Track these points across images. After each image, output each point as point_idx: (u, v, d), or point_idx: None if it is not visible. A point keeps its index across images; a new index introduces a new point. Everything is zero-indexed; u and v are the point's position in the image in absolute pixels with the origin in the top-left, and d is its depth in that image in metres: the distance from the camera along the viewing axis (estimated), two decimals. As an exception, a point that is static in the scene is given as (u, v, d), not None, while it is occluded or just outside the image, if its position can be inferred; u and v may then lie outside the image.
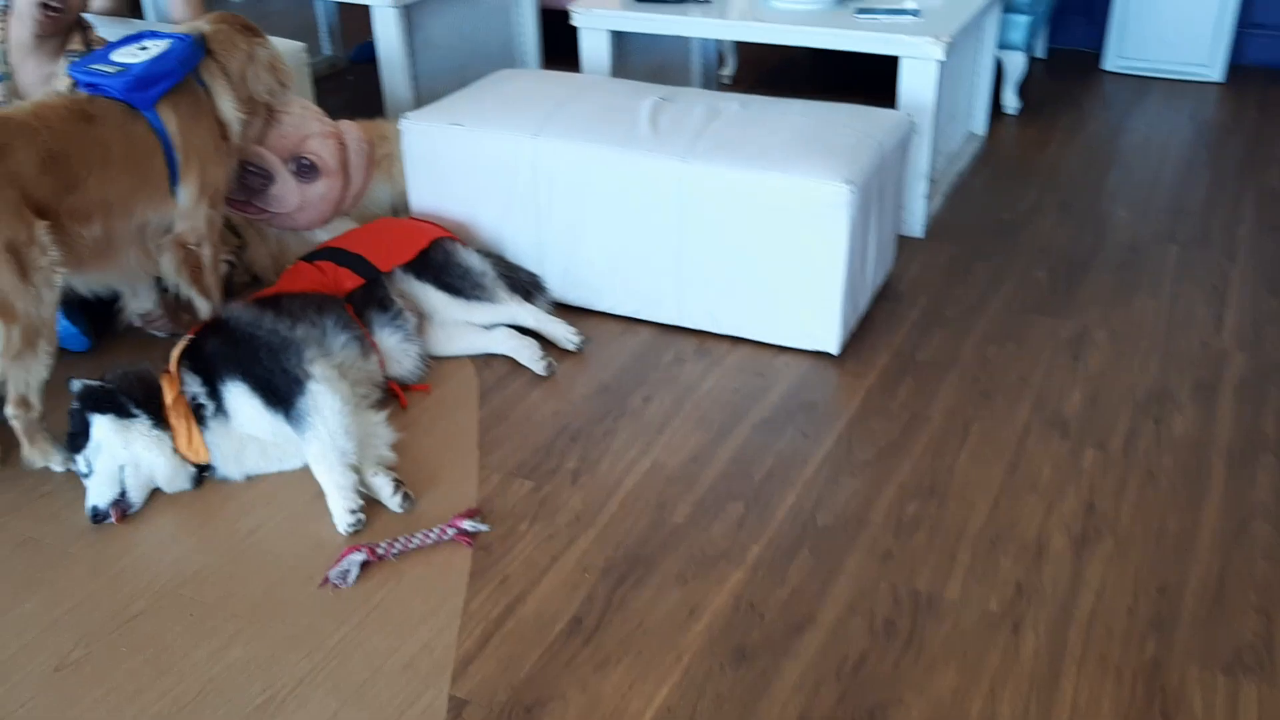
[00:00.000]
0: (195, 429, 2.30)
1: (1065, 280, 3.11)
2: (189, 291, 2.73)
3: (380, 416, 2.47)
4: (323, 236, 3.12)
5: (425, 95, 4.07)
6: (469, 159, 2.91)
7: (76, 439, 2.29)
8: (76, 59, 2.65)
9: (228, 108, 2.69)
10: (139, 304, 2.83)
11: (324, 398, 2.29)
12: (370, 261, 2.70)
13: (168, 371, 2.34)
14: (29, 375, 2.28)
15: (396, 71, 3.98)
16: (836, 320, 2.69)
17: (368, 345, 2.57)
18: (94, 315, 2.85)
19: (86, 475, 2.27)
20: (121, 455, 2.27)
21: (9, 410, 2.31)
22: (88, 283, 2.53)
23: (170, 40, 2.59)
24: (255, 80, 2.74)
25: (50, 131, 2.31)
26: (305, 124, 3.00)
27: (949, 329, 2.88)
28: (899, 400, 2.58)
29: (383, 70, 4.01)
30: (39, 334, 2.27)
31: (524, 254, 2.96)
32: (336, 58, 5.32)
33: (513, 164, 2.85)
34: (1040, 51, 5.00)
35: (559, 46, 3.66)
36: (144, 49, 2.56)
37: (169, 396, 2.29)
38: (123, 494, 2.26)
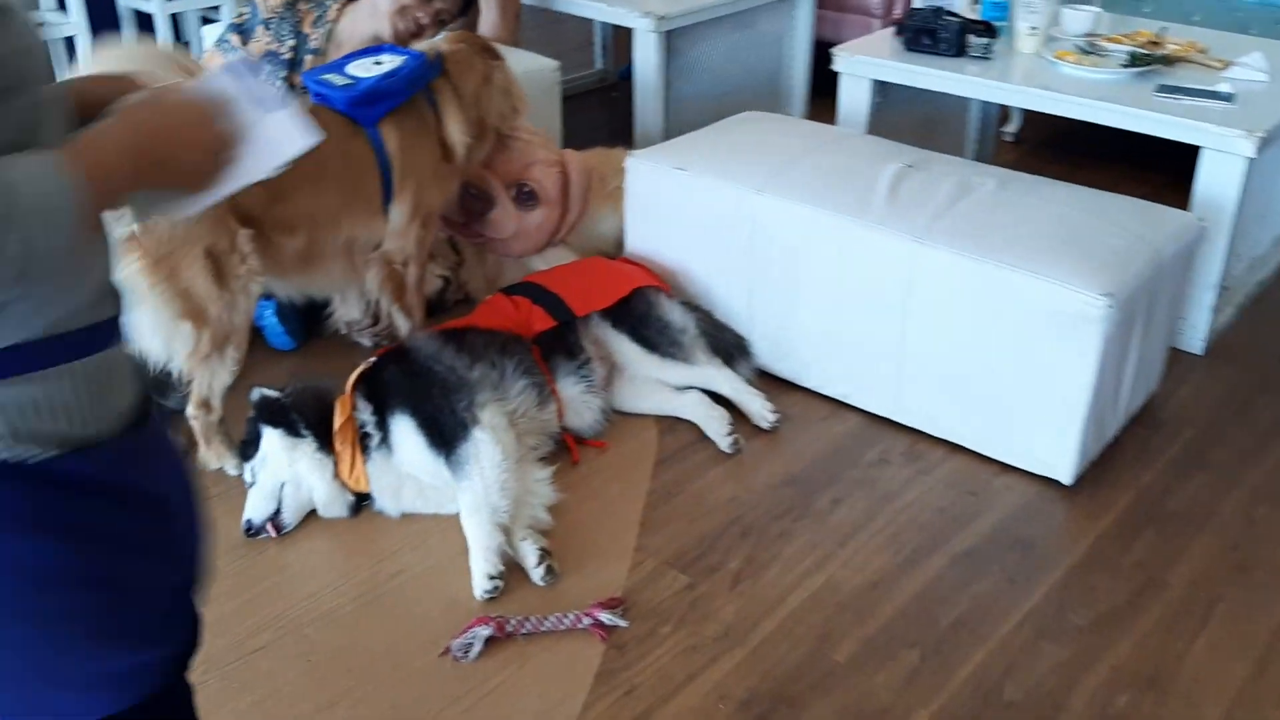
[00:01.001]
0: (359, 457, 2.24)
1: (1374, 436, 2.58)
2: (390, 308, 2.69)
3: (545, 473, 2.33)
4: (539, 264, 3.03)
5: (677, 124, 3.92)
6: (689, 206, 2.72)
7: (248, 448, 2.28)
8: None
9: (455, 130, 2.62)
10: (347, 311, 2.82)
11: (486, 448, 2.17)
12: (567, 303, 2.57)
13: (345, 393, 2.28)
14: (213, 379, 2.29)
15: (650, 97, 3.85)
16: (1073, 445, 2.31)
17: (548, 393, 2.44)
18: (304, 316, 2.87)
19: (251, 486, 2.26)
20: (284, 473, 2.24)
21: (190, 410, 2.32)
22: (290, 289, 2.53)
23: (405, 57, 2.55)
24: (488, 103, 2.67)
25: (267, 140, 2.31)
26: (531, 151, 2.91)
27: (1213, 474, 2.43)
28: (1134, 556, 2.19)
29: (637, 95, 3.90)
30: (228, 340, 2.27)
31: (734, 314, 2.75)
32: (607, 72, 5.28)
33: (732, 218, 2.64)
34: (1389, 143, 4.27)
35: (832, 82, 3.40)
36: (379, 63, 2.53)
37: (338, 420, 2.24)
38: (278, 512, 2.22)
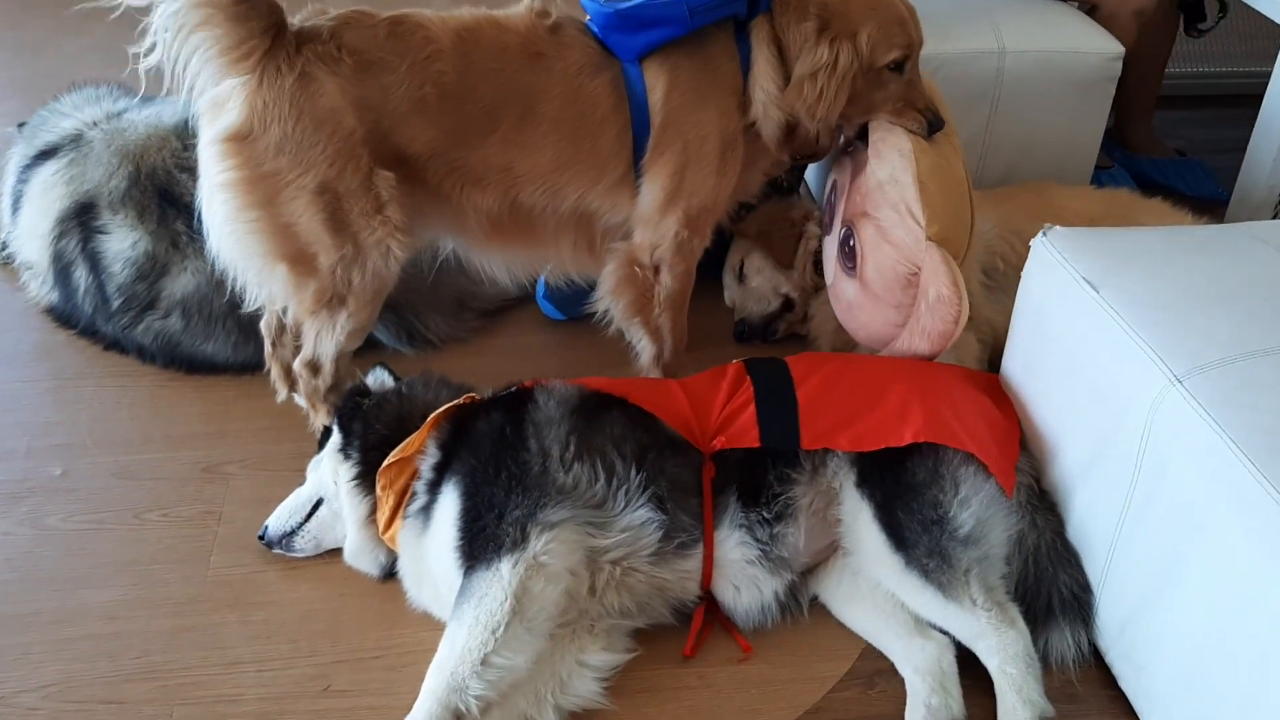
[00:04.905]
0: (401, 512, 1.64)
1: None
2: (625, 323, 1.98)
3: (603, 659, 1.55)
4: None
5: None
6: (1082, 349, 1.58)
7: (324, 437, 1.81)
8: None
9: (764, 96, 1.77)
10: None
11: (494, 594, 1.45)
12: (798, 422, 1.64)
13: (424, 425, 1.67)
14: (319, 339, 1.81)
15: (1275, 135, 2.48)
16: None
17: (696, 540, 1.59)
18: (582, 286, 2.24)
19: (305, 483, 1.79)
20: (328, 489, 1.73)
21: (296, 363, 1.88)
22: (494, 262, 1.93)
23: (717, -28, 1.73)
24: (802, 82, 1.75)
25: (462, 61, 1.68)
26: (875, 198, 1.85)
27: None
28: None
29: (1259, 127, 2.54)
30: (343, 302, 1.77)
31: (1089, 544, 1.60)
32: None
33: (1123, 403, 1.47)
34: None
35: None
36: (690, -25, 1.74)
37: (395, 454, 1.64)
38: (295, 530, 1.73)
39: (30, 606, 1.65)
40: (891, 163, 1.81)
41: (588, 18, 1.79)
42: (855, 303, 1.91)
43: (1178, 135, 3.17)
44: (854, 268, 1.88)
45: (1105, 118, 2.50)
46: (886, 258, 1.81)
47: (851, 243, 1.87)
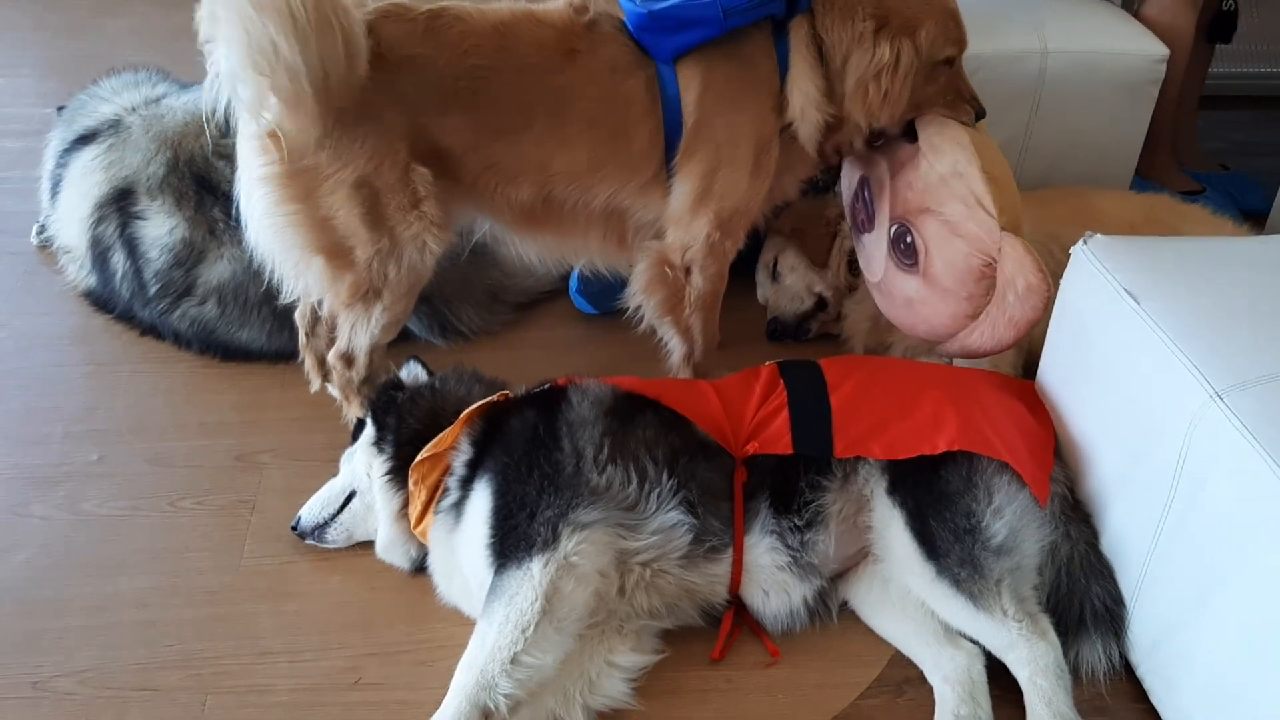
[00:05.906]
0: (433, 507, 1.65)
1: None
2: (656, 321, 1.97)
3: (632, 660, 1.55)
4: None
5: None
6: (1118, 362, 1.57)
7: (358, 429, 1.82)
8: None
9: (803, 99, 1.75)
10: (647, 299, 2.15)
11: (525, 594, 1.45)
12: (832, 429, 1.64)
13: (458, 420, 1.67)
14: (354, 332, 1.82)
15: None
16: None
17: (725, 544, 1.59)
18: (616, 281, 2.23)
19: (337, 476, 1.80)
20: (361, 481, 1.74)
21: (331, 355, 1.89)
22: (531, 251, 1.93)
23: (762, -25, 1.71)
24: (856, 82, 1.73)
25: (499, 55, 1.68)
26: (940, 194, 1.83)
27: None
28: None
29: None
30: (378, 295, 1.77)
31: (1123, 558, 1.58)
32: None
33: (1161, 417, 1.45)
34: None
35: None
36: (730, -24, 1.72)
37: (428, 449, 1.65)
38: (327, 522, 1.74)
39: (66, 592, 1.67)
40: (953, 156, 1.79)
41: (624, 16, 1.78)
42: (918, 299, 1.89)
43: (1220, 137, 3.13)
44: (914, 264, 1.87)
45: (1148, 121, 2.47)
46: (957, 251, 1.79)
47: (909, 239, 1.86)
